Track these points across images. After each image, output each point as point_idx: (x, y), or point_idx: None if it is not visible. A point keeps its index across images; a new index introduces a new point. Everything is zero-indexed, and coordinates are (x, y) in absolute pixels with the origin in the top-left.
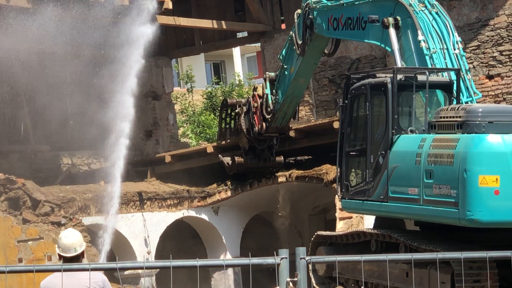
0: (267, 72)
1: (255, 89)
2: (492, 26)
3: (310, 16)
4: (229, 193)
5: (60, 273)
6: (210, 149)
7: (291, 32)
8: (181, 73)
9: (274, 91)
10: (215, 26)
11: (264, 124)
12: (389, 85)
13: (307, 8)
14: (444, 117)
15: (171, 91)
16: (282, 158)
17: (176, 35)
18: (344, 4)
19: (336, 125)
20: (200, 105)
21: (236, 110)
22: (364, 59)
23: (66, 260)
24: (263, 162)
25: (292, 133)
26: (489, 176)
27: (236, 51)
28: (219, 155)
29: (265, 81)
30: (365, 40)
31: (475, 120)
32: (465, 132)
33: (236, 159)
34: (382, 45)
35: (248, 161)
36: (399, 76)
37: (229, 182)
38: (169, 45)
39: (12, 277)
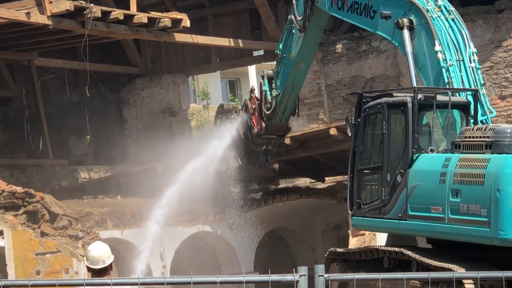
0: (265, 70)
1: (252, 91)
2: (505, 48)
3: None
4: (244, 209)
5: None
6: None
7: (290, 16)
8: (197, 90)
9: (273, 84)
10: (232, 44)
11: (263, 124)
12: (409, 105)
13: None
14: (469, 137)
15: (188, 107)
16: (278, 166)
17: (193, 53)
18: None
19: (332, 131)
20: None
21: (232, 116)
22: (378, 78)
23: (95, 272)
24: (258, 168)
25: (287, 140)
26: None
27: (252, 68)
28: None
29: (263, 78)
30: (374, 31)
31: (504, 141)
32: (494, 152)
33: (230, 163)
34: (393, 41)
35: (244, 166)
36: (419, 96)
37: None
38: (186, 63)
39: None
